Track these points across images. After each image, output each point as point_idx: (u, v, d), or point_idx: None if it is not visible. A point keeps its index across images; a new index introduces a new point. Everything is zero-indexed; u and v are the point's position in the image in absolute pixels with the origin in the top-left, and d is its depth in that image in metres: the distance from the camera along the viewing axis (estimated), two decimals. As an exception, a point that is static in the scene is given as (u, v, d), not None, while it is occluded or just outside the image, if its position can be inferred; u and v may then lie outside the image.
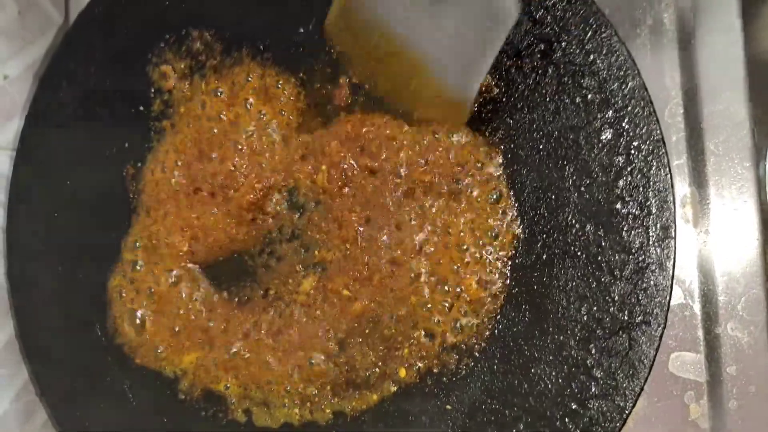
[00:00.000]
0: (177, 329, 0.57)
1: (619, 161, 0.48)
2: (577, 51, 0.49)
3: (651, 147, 0.48)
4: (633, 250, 0.47)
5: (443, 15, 0.44)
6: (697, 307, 0.54)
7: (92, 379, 0.58)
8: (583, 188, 0.49)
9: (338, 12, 0.51)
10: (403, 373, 0.51)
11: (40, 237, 0.60)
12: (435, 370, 0.52)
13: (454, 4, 0.43)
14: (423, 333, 0.51)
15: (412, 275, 0.51)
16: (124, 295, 0.58)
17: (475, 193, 0.51)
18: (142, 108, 0.59)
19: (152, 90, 0.59)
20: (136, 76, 0.59)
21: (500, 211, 0.51)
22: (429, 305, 0.51)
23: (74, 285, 0.59)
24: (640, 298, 0.47)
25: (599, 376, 0.47)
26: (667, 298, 0.47)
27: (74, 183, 0.60)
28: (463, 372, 0.51)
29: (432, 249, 0.51)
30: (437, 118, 0.51)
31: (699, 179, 0.55)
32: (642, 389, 0.47)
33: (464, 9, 0.43)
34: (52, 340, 0.59)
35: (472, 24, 0.44)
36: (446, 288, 0.51)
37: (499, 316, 0.51)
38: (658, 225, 0.47)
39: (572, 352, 0.48)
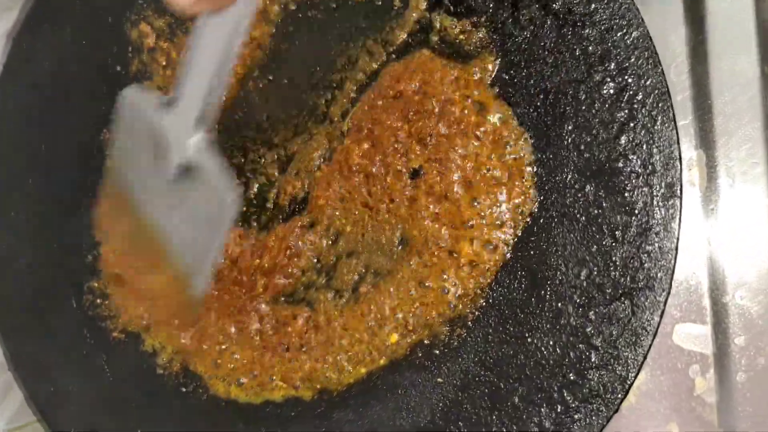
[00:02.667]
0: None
1: (621, 116, 0.45)
2: (578, 0, 0.46)
3: (655, 101, 0.45)
4: (636, 211, 0.45)
5: (182, 194, 0.44)
6: (703, 275, 0.51)
7: (68, 353, 0.55)
8: (582, 146, 0.46)
9: (107, 190, 0.52)
10: (393, 338, 0.48)
11: (13, 206, 0.58)
12: (426, 342, 0.49)
13: (190, 184, 0.43)
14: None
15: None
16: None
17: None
18: (119, 68, 0.57)
19: (130, 49, 0.56)
20: (114, 34, 0.57)
21: (495, 172, 0.48)
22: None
23: (49, 256, 0.57)
24: (643, 261, 0.44)
25: (599, 344, 0.44)
26: (672, 261, 0.44)
27: (49, 148, 0.57)
28: (456, 343, 0.48)
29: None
30: (174, 313, 0.51)
31: (706, 141, 0.52)
32: (645, 358, 0.44)
33: (197, 192, 0.43)
34: (26, 313, 0.57)
35: (205, 208, 0.44)
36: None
37: (493, 283, 0.48)
38: (663, 183, 0.44)
39: (571, 320, 0.45)
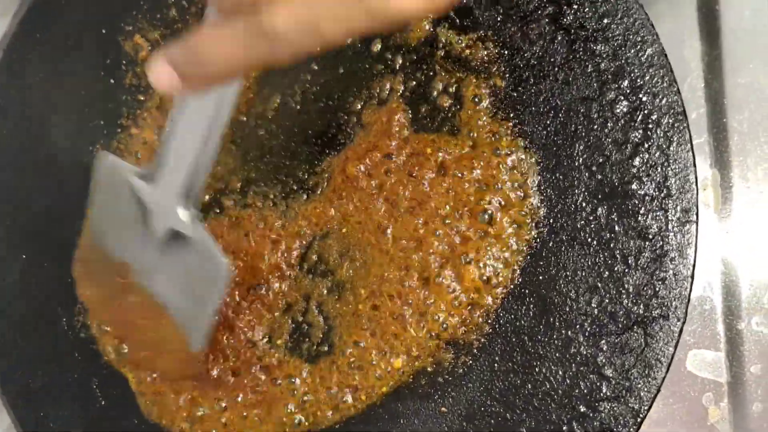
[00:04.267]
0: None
1: (635, 137, 0.43)
2: (590, 14, 0.44)
3: (671, 121, 0.43)
4: (650, 236, 0.43)
5: (173, 260, 0.44)
6: (717, 301, 0.49)
7: (58, 376, 0.53)
8: (594, 167, 0.44)
9: (84, 252, 0.51)
10: (398, 363, 0.47)
11: (3, 222, 0.56)
12: (429, 369, 0.47)
13: (181, 250, 0.43)
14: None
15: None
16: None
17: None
18: (112, 81, 0.55)
19: (123, 62, 0.55)
20: (108, 46, 0.55)
21: (502, 193, 0.46)
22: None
23: (39, 274, 0.55)
24: (658, 289, 0.42)
25: (611, 375, 0.43)
26: (688, 289, 0.42)
27: (40, 161, 0.56)
28: (461, 371, 0.46)
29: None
30: (174, 369, 0.49)
31: (721, 160, 0.50)
32: (659, 391, 0.42)
33: (188, 258, 0.43)
34: (14, 334, 0.55)
35: (196, 275, 0.43)
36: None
37: (500, 310, 0.46)
38: (678, 207, 0.42)
39: (581, 349, 0.43)
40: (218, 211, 0.51)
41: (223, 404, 0.49)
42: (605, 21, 0.44)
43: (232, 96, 0.37)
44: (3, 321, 0.55)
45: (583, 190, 0.44)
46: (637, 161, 0.43)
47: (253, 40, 0.25)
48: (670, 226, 0.42)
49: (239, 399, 0.49)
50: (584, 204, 0.44)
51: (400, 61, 0.49)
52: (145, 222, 0.43)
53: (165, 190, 0.41)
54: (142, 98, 0.54)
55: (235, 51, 0.26)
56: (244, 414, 0.49)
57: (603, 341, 0.43)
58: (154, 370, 0.50)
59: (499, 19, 0.47)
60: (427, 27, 0.48)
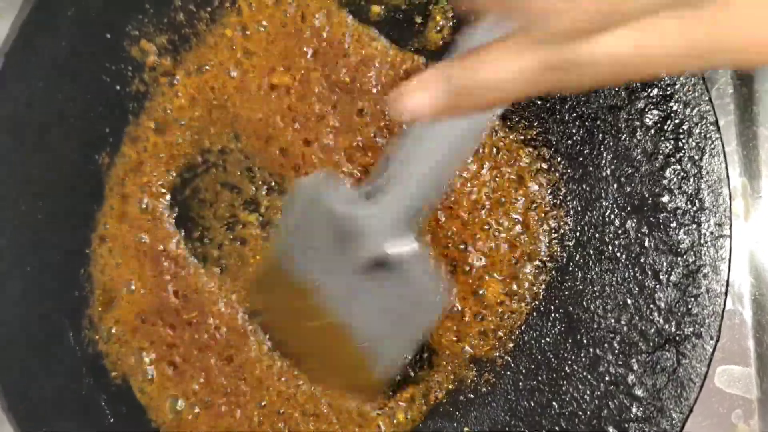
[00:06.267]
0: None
1: (665, 147, 0.42)
2: (618, 19, 0.42)
3: (703, 131, 0.41)
4: (682, 251, 0.41)
5: (374, 287, 0.39)
6: (747, 315, 0.48)
7: (64, 392, 0.52)
8: (623, 178, 0.43)
9: (264, 271, 0.47)
10: (401, 417, 0.45)
11: (6, 233, 0.54)
12: (450, 387, 0.45)
13: (385, 277, 0.38)
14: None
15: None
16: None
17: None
18: (118, 88, 0.53)
19: (130, 68, 0.53)
20: (113, 52, 0.53)
21: (526, 205, 0.44)
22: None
23: (44, 287, 0.53)
24: (690, 306, 0.41)
25: (642, 395, 0.41)
26: (722, 306, 0.40)
27: (43, 172, 0.54)
28: (484, 389, 0.45)
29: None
30: (350, 389, 0.46)
31: (750, 169, 0.48)
32: (691, 411, 0.41)
33: (394, 285, 0.38)
34: (20, 349, 0.53)
35: (400, 304, 0.39)
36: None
37: (524, 326, 0.44)
38: (712, 221, 0.41)
39: (610, 368, 0.42)
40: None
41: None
42: (635, 26, 0.42)
43: (486, 123, 0.34)
44: (6, 334, 0.54)
45: (611, 202, 0.43)
46: (667, 173, 0.42)
47: (559, 70, 0.22)
48: (702, 241, 0.41)
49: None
50: (612, 217, 0.43)
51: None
52: (346, 244, 0.38)
53: (384, 212, 0.36)
54: (149, 105, 0.53)
55: (529, 78, 0.23)
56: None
57: (633, 360, 0.41)
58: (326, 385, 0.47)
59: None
60: (446, 32, 0.46)
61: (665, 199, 0.42)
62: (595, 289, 0.43)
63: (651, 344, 0.41)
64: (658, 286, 0.41)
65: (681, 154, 0.41)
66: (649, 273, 0.42)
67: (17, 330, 0.54)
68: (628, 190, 0.42)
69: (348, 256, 0.38)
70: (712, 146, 0.41)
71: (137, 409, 0.51)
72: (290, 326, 0.45)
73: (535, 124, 0.45)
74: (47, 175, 0.54)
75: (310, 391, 0.47)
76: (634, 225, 0.42)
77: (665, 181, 0.42)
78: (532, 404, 0.43)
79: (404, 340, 0.41)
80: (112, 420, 0.51)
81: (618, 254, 0.42)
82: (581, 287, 0.43)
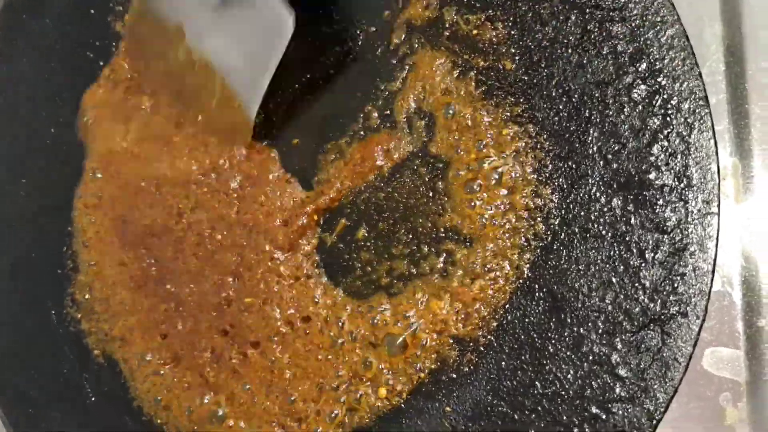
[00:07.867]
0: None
1: (653, 123, 0.41)
2: (606, -8, 0.41)
3: (692, 106, 0.40)
4: (668, 229, 0.40)
5: (229, 20, 0.43)
6: (737, 296, 0.47)
7: (47, 373, 0.51)
8: (610, 155, 0.42)
9: (134, 18, 0.51)
10: (383, 393, 0.45)
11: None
12: (433, 366, 0.45)
13: (237, 8, 0.43)
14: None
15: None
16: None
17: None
18: (102, 63, 0.52)
19: (114, 44, 0.52)
20: (98, 28, 0.52)
21: (511, 183, 0.44)
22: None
23: (29, 267, 0.53)
24: (676, 285, 0.40)
25: (625, 375, 0.40)
26: (708, 285, 0.40)
27: (28, 145, 0.53)
28: (466, 369, 0.44)
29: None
30: (221, 132, 0.48)
31: (742, 148, 0.47)
32: (675, 391, 0.40)
33: (246, 16, 0.42)
34: (3, 330, 0.53)
35: (254, 33, 0.43)
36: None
37: (508, 305, 0.44)
38: (699, 198, 0.40)
39: (594, 348, 0.41)
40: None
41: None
42: (622, 0, 0.41)
43: None
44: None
45: (597, 179, 0.42)
46: (655, 149, 0.41)
47: None
48: (690, 219, 0.40)
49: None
50: (598, 194, 0.42)
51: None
52: None
53: None
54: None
55: None
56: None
57: (617, 339, 0.41)
58: (207, 132, 0.48)
59: (509, -3, 0.44)
60: (432, 6, 0.46)
61: (652, 176, 0.41)
62: (580, 267, 0.42)
63: (636, 323, 0.40)
64: (643, 265, 0.41)
65: (669, 130, 0.40)
66: (635, 251, 0.41)
67: (1, 312, 0.53)
68: (615, 167, 0.42)
69: None
70: (701, 122, 0.40)
71: (118, 387, 0.50)
72: (162, 66, 0.48)
73: (521, 100, 0.44)
74: (33, 156, 0.54)
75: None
76: (620, 203, 0.41)
77: (652, 158, 0.41)
78: (515, 384, 0.43)
79: (261, 68, 0.43)
80: (93, 399, 0.51)
81: (603, 232, 0.42)
82: (566, 266, 0.42)
